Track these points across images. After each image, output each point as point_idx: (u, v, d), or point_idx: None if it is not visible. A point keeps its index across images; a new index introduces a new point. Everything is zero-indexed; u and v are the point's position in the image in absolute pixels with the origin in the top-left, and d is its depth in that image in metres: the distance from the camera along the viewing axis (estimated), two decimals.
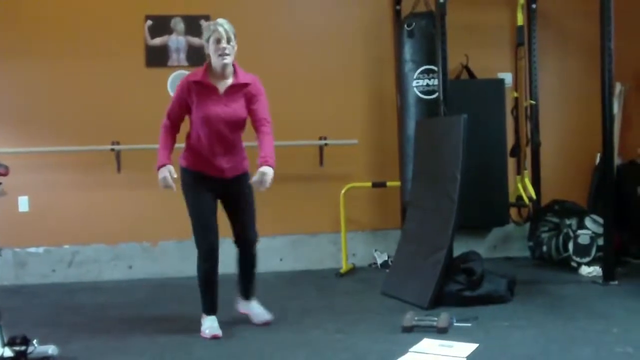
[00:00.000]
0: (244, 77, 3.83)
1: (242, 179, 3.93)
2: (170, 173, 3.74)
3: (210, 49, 3.74)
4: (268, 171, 3.67)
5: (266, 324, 4.02)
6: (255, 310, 4.11)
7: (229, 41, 3.72)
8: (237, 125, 3.81)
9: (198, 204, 3.83)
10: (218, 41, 3.70)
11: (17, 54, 5.59)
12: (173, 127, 3.85)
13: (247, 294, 4.15)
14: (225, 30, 3.70)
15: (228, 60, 3.73)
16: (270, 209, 5.77)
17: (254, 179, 3.69)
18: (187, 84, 3.76)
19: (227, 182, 3.87)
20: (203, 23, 5.15)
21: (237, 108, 3.78)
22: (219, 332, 3.80)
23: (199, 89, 3.75)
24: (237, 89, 3.80)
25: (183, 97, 3.77)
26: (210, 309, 3.90)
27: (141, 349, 3.64)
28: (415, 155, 5.08)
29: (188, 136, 3.87)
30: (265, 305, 4.20)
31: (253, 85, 3.85)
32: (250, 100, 3.82)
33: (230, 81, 3.80)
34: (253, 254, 4.06)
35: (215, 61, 3.74)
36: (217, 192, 3.88)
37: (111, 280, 5.63)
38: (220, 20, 3.75)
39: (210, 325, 3.84)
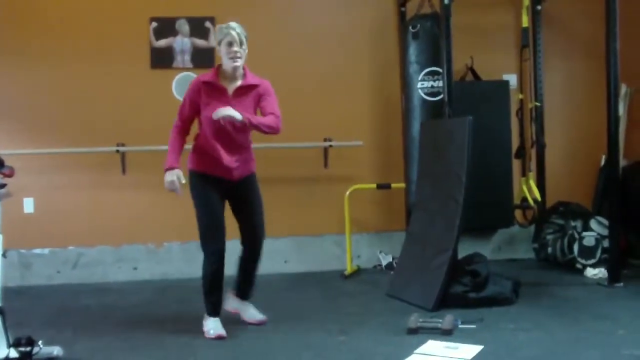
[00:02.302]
0: (253, 79, 3.89)
1: (250, 179, 3.98)
2: (178, 178, 3.78)
3: (222, 52, 3.80)
4: (233, 113, 3.61)
5: (261, 323, 4.04)
6: (251, 309, 4.13)
7: (241, 44, 3.78)
8: (243, 126, 3.81)
9: (207, 206, 3.85)
10: (230, 44, 3.76)
11: (22, 56, 5.61)
12: (184, 128, 3.90)
13: (246, 295, 4.15)
14: (238, 34, 3.77)
15: (239, 63, 3.79)
16: (275, 211, 5.77)
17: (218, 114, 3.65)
18: (197, 84, 3.83)
19: (234, 183, 3.89)
20: (216, 26, 5.17)
21: (245, 109, 3.79)
22: (223, 332, 3.81)
23: (209, 90, 3.80)
24: (246, 90, 3.84)
25: (193, 97, 3.83)
26: (215, 311, 3.90)
27: (146, 349, 3.64)
28: (420, 156, 5.08)
29: (196, 137, 3.91)
30: (270, 307, 4.21)
31: (262, 87, 3.90)
32: (258, 100, 3.87)
33: (239, 83, 3.85)
34: (261, 254, 4.07)
35: (226, 63, 3.80)
36: (225, 193, 3.91)
37: (116, 282, 5.64)
38: (232, 24, 3.81)
39: (214, 326, 3.84)
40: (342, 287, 5.25)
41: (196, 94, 3.82)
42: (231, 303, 4.19)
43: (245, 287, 4.14)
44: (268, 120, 3.78)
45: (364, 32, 6.00)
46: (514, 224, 6.03)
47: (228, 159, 3.83)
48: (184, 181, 3.80)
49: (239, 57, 3.78)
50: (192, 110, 3.86)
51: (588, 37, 5.97)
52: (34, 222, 5.61)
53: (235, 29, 3.77)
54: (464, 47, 5.59)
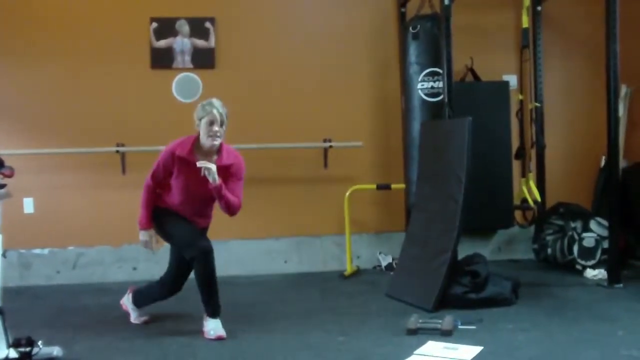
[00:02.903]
0: (227, 158, 3.93)
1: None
2: (151, 237, 3.97)
3: (202, 129, 3.85)
4: (213, 169, 3.74)
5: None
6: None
7: (221, 124, 3.85)
8: (211, 200, 3.98)
9: (176, 221, 3.97)
10: (211, 123, 3.82)
11: (21, 56, 5.61)
12: (156, 188, 4.00)
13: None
14: (220, 114, 3.85)
15: (217, 142, 3.86)
16: (275, 211, 5.80)
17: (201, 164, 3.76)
18: (171, 155, 3.88)
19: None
20: (210, 27, 5.20)
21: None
22: (223, 333, 3.81)
23: (182, 163, 3.87)
24: (219, 171, 3.84)
25: (167, 165, 3.91)
26: (215, 311, 3.90)
27: (145, 350, 3.64)
28: (420, 157, 5.08)
29: (163, 196, 4.01)
30: (269, 307, 4.21)
31: (234, 166, 3.95)
32: (228, 178, 3.92)
33: (214, 159, 3.88)
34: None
35: (205, 141, 3.85)
36: None
37: (115, 282, 5.63)
38: (215, 102, 3.88)
39: (214, 326, 3.84)
40: (342, 287, 5.25)
41: (170, 164, 3.89)
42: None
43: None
44: (232, 199, 3.87)
45: (364, 33, 6.00)
46: (514, 225, 6.02)
47: (192, 217, 4.01)
48: (156, 240, 3.99)
49: (218, 137, 3.84)
50: (165, 175, 3.94)
51: (588, 38, 5.97)
52: (33, 222, 5.61)
53: (218, 108, 3.84)
54: (464, 48, 5.59)
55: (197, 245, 3.84)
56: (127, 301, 4.31)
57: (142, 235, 3.96)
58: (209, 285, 3.88)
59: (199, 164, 3.73)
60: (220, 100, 3.92)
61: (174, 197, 3.96)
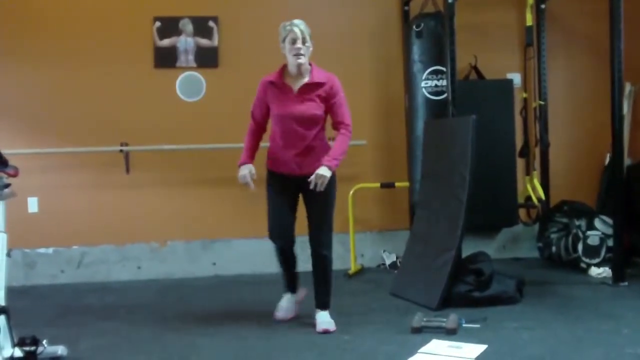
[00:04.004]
0: (318, 76, 3.89)
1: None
2: (250, 172, 3.89)
3: (286, 49, 3.85)
4: (324, 172, 3.74)
5: (325, 332, 3.87)
6: (320, 315, 4.02)
7: (304, 42, 3.82)
8: (310, 122, 3.84)
9: (271, 206, 4.00)
10: (293, 41, 3.81)
11: (25, 56, 5.61)
12: (257, 127, 4.03)
13: (317, 300, 4.07)
14: (301, 31, 3.81)
15: (302, 60, 3.83)
16: None
17: (311, 178, 3.76)
18: (263, 84, 3.93)
19: (302, 180, 3.87)
20: (213, 26, 5.22)
21: (311, 106, 3.84)
22: (282, 314, 4.12)
23: (274, 89, 3.89)
24: (311, 87, 3.86)
25: (261, 97, 3.95)
26: (286, 287, 4.17)
27: (149, 349, 3.65)
28: (424, 156, 5.07)
29: (271, 134, 4.01)
30: (273, 306, 4.21)
31: (328, 85, 3.89)
32: (326, 100, 3.88)
33: (305, 80, 3.87)
34: (323, 256, 4.03)
35: (290, 61, 3.86)
36: (295, 191, 3.98)
37: (120, 281, 5.65)
38: (296, 21, 3.85)
39: (280, 305, 4.17)
40: (346, 286, 5.25)
41: (263, 94, 3.93)
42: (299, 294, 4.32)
43: (315, 292, 4.09)
44: (342, 148, 3.84)
45: (367, 31, 6.00)
46: (518, 223, 6.01)
47: (295, 157, 3.88)
48: (254, 174, 3.90)
49: (302, 54, 3.81)
50: (262, 110, 3.96)
51: (592, 36, 5.96)
52: (38, 222, 5.62)
53: (299, 26, 3.81)
54: (467, 46, 5.59)
55: (270, 227, 4.01)
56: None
57: (240, 170, 3.91)
58: (281, 263, 4.18)
59: (312, 185, 3.73)
60: (303, 20, 3.88)
61: (278, 137, 3.90)
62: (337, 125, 3.93)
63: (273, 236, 4.03)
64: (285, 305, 4.19)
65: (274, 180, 3.98)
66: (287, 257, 4.14)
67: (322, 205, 3.95)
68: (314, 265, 4.04)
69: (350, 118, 3.93)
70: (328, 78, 3.91)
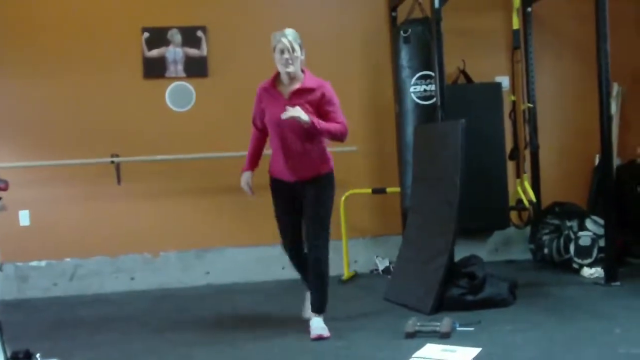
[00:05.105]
0: (309, 83, 3.94)
1: (310, 183, 3.97)
2: (246, 180, 4.10)
3: (276, 58, 3.91)
4: (300, 113, 3.73)
5: (319, 338, 3.86)
6: (314, 321, 4.01)
7: (292, 51, 3.87)
8: (301, 128, 3.84)
9: (276, 212, 4.15)
10: (282, 52, 3.87)
11: (12, 67, 5.60)
12: (258, 134, 4.15)
13: (311, 307, 4.07)
14: (289, 42, 3.86)
15: (291, 69, 3.89)
16: (271, 217, 5.77)
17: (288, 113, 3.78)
18: (259, 90, 4.04)
19: (298, 186, 3.98)
20: (201, 36, 5.22)
21: (303, 111, 3.82)
22: (308, 312, 4.07)
23: (267, 95, 3.98)
24: (302, 93, 3.91)
25: (258, 103, 4.05)
26: (307, 287, 4.19)
27: None
28: (414, 161, 5.08)
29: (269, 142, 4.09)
30: (268, 312, 4.20)
31: (319, 91, 3.92)
32: (318, 106, 3.90)
33: (296, 86, 3.93)
34: (317, 259, 4.02)
35: (280, 69, 3.93)
36: (294, 196, 4.04)
37: (113, 293, 5.63)
38: (286, 31, 3.91)
39: (305, 305, 4.21)
40: (339, 292, 5.24)
41: (259, 100, 4.03)
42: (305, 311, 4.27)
43: (310, 295, 4.12)
44: (333, 127, 3.88)
45: (356, 37, 6.02)
46: (510, 226, 6.03)
47: (289, 162, 3.94)
48: (251, 183, 4.11)
49: (290, 64, 3.86)
50: (260, 116, 4.05)
51: (579, 38, 6.00)
52: (30, 235, 5.60)
53: (288, 36, 3.87)
54: (455, 51, 5.61)
55: (284, 246, 4.17)
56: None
57: (242, 178, 4.11)
58: (298, 271, 4.25)
59: (283, 116, 3.75)
60: (293, 30, 3.95)
61: (273, 143, 4.00)
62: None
63: (284, 244, 4.20)
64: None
65: (276, 187, 4.09)
66: (297, 261, 4.21)
67: (317, 209, 3.98)
68: (309, 268, 4.04)
69: (346, 125, 3.96)
70: (319, 84, 3.95)
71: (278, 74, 3.99)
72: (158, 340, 4.03)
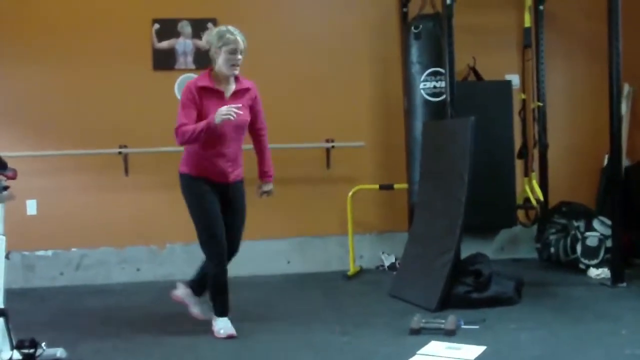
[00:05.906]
0: (245, 83, 3.96)
1: (240, 185, 4.03)
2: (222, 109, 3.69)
3: (222, 57, 3.80)
4: (272, 187, 4.16)
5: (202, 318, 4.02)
6: (205, 305, 4.08)
7: (242, 53, 3.83)
8: (243, 128, 3.92)
9: (204, 212, 3.88)
10: (234, 52, 3.79)
11: (23, 59, 5.61)
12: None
13: (200, 293, 4.14)
14: (243, 42, 3.82)
15: (237, 71, 3.86)
16: (277, 212, 5.79)
17: (263, 190, 4.15)
18: (194, 89, 3.81)
19: (227, 187, 3.93)
20: (212, 28, 5.18)
21: (245, 112, 3.89)
22: (233, 331, 3.83)
23: (206, 94, 3.82)
24: (242, 93, 3.91)
25: (195, 100, 3.79)
26: (223, 311, 3.92)
27: (149, 350, 3.66)
28: (423, 157, 5.07)
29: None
30: (273, 307, 4.20)
31: (253, 91, 4.00)
32: (251, 106, 3.97)
33: (233, 86, 3.90)
34: (231, 259, 4.05)
35: (225, 70, 3.82)
36: (219, 197, 3.92)
37: (119, 283, 5.64)
38: (234, 30, 3.83)
39: (224, 325, 3.86)
40: (345, 287, 5.25)
41: (194, 99, 3.79)
42: (181, 292, 4.20)
43: (201, 287, 4.12)
44: (269, 154, 4.16)
45: (366, 33, 6.00)
46: (517, 224, 6.02)
47: (225, 163, 3.87)
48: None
49: (238, 65, 3.84)
50: (197, 111, 3.79)
51: (590, 37, 5.96)
52: (36, 224, 5.62)
53: (238, 36, 3.80)
54: (466, 48, 5.59)
55: (210, 251, 3.89)
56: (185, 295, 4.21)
57: (217, 113, 3.64)
58: (220, 287, 3.94)
59: (219, 118, 3.61)
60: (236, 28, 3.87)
61: (209, 143, 3.77)
62: (260, 131, 4.08)
63: (209, 240, 3.88)
64: None
65: (199, 184, 3.87)
66: (224, 269, 3.96)
67: (244, 215, 4.08)
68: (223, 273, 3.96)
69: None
70: (252, 85, 4.00)
71: (211, 72, 3.87)
72: (162, 331, 4.04)
